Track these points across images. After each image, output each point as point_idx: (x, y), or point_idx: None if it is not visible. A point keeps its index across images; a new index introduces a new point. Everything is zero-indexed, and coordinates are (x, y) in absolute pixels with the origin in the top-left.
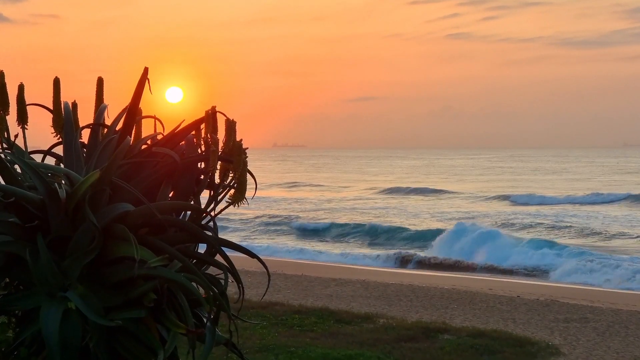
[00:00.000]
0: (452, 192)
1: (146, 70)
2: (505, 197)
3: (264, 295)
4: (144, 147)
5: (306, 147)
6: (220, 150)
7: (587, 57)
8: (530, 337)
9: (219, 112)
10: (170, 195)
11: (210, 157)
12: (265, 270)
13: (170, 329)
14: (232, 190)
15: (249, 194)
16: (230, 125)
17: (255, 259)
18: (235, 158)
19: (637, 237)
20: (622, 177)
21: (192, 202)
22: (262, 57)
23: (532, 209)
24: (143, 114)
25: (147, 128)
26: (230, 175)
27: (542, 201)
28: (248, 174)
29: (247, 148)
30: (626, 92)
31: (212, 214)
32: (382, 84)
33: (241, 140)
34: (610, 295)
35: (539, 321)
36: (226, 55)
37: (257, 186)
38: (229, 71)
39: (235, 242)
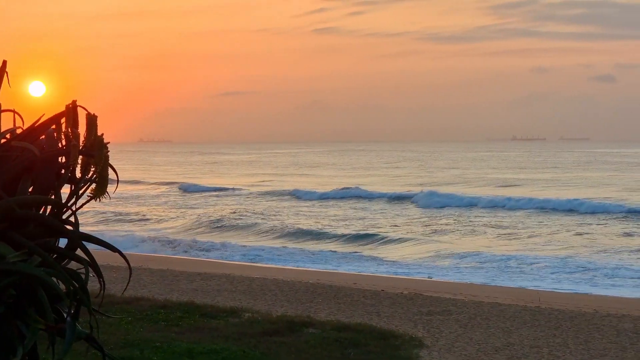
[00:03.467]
0: (225, 189)
1: (4, 63)
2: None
3: (125, 289)
4: (2, 141)
5: (172, 141)
6: (81, 144)
7: (454, 52)
8: (394, 330)
9: (80, 106)
10: (30, 189)
11: (71, 151)
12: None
13: (30, 325)
14: (94, 185)
15: (110, 188)
16: (91, 120)
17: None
18: (96, 152)
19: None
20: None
21: (52, 197)
22: (131, 51)
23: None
24: (2, 108)
25: (7, 122)
26: (92, 169)
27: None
28: (110, 169)
29: (109, 142)
30: (491, 86)
31: (73, 208)
32: (250, 79)
33: (102, 134)
34: (472, 288)
35: (403, 314)
36: (94, 49)
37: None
38: (95, 65)
39: (97, 236)
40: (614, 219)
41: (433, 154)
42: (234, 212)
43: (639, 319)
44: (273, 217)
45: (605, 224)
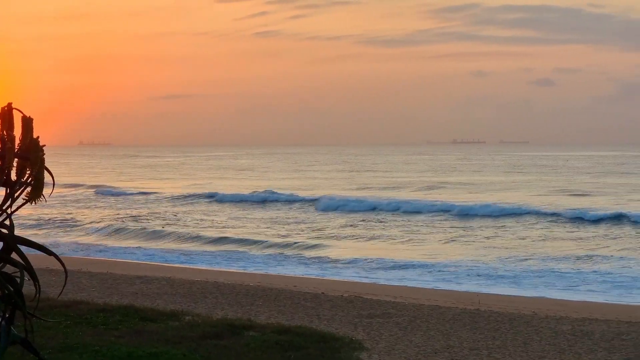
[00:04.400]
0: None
1: None
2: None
3: (61, 293)
4: None
5: (112, 144)
6: (16, 147)
7: (394, 56)
8: (334, 333)
9: (15, 108)
10: None
11: (6, 154)
12: (69, 268)
13: None
14: (29, 188)
15: (46, 191)
16: (27, 122)
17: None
18: (32, 155)
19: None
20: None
21: None
22: (71, 53)
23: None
24: None
25: None
26: (27, 172)
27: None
28: (46, 172)
29: (45, 145)
30: (431, 90)
31: (9, 211)
32: (191, 82)
33: (38, 137)
34: (412, 291)
35: (343, 317)
36: (33, 51)
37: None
38: (34, 68)
39: (32, 240)
40: (516, 221)
41: (368, 156)
42: (138, 216)
43: (577, 321)
44: (177, 221)
45: (512, 226)
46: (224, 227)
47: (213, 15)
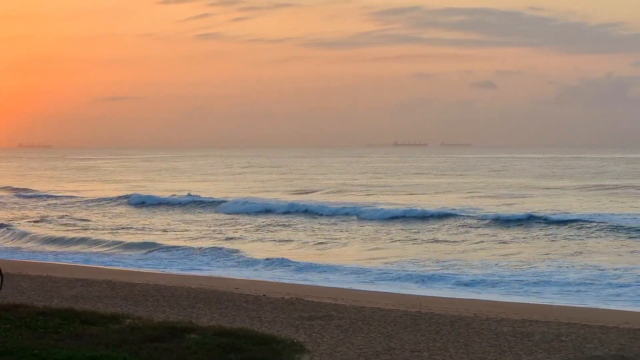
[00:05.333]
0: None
1: None
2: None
3: None
4: None
5: (53, 147)
6: None
7: (336, 58)
8: (275, 335)
9: None
10: None
11: None
12: (8, 271)
13: None
14: None
15: None
16: None
17: None
18: None
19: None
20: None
21: None
22: (14, 55)
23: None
24: None
25: None
26: None
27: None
28: None
29: None
30: (373, 92)
31: None
32: (133, 84)
33: None
34: (353, 293)
35: (285, 319)
36: None
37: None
38: None
39: None
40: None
41: (305, 159)
42: (41, 219)
43: (517, 322)
44: (87, 223)
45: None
46: (133, 229)
47: (156, 16)
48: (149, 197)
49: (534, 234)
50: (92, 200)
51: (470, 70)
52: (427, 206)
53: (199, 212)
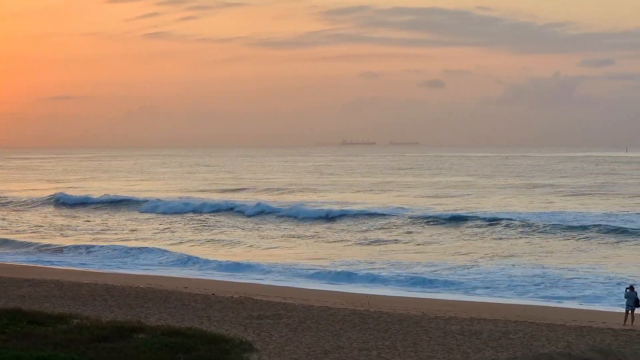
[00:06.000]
0: None
1: None
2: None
3: None
4: None
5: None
6: None
7: (285, 58)
8: (224, 335)
9: None
10: None
11: None
12: None
13: None
14: None
15: None
16: None
17: None
18: None
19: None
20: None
21: None
22: None
23: None
24: None
25: None
26: None
27: None
28: None
29: None
30: (322, 91)
31: None
32: (80, 83)
33: None
34: (302, 292)
35: (233, 318)
36: None
37: None
38: None
39: None
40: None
41: (247, 159)
42: None
43: (466, 320)
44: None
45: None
46: (53, 229)
47: (103, 15)
48: (71, 197)
49: (471, 233)
50: (18, 201)
51: (419, 69)
52: (355, 206)
53: (123, 212)
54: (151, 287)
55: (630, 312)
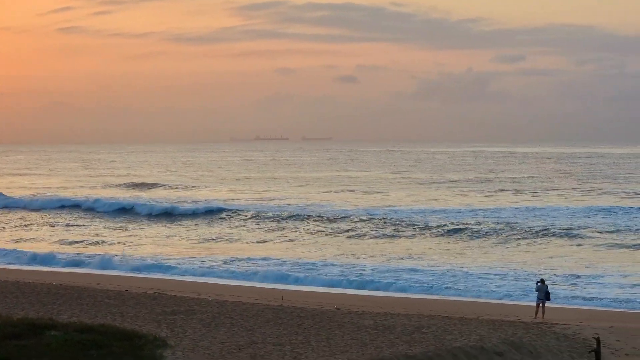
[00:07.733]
0: None
1: None
2: None
3: None
4: None
5: None
6: None
7: (199, 53)
8: (137, 331)
9: None
10: None
11: None
12: None
13: None
14: None
15: None
16: None
17: None
18: None
19: None
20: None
21: None
22: None
23: None
24: None
25: None
26: None
27: None
28: None
29: None
30: (236, 87)
31: None
32: None
33: None
34: (216, 287)
35: (147, 314)
36: None
37: None
38: None
39: None
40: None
41: (154, 154)
42: None
43: (379, 315)
44: None
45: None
46: None
47: (15, 9)
48: None
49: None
50: None
51: (332, 65)
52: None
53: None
54: (63, 284)
55: (541, 305)
